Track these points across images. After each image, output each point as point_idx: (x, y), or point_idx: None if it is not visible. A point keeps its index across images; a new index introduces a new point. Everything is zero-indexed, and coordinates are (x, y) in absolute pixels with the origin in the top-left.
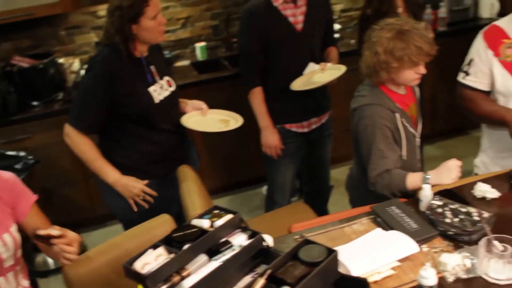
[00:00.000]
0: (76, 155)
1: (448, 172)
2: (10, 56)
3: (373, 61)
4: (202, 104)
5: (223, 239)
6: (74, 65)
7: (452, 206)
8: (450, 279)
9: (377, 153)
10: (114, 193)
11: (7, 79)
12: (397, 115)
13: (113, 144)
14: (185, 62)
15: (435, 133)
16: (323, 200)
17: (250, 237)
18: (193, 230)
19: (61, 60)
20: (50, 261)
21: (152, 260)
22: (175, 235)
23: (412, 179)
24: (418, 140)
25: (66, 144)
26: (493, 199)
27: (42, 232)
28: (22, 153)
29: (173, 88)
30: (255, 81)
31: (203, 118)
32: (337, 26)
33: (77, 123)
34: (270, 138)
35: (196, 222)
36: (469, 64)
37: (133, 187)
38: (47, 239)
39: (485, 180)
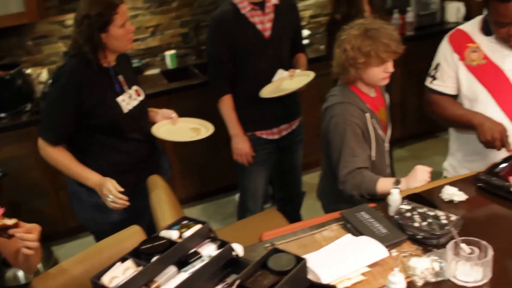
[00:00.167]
0: (54, 166)
1: (417, 177)
2: None
3: (342, 58)
4: (172, 113)
5: (192, 250)
6: (42, 76)
7: (420, 210)
8: (419, 283)
9: (348, 150)
10: (85, 204)
11: None
12: (367, 115)
13: (81, 154)
14: (155, 71)
15: (405, 137)
16: (296, 206)
17: (219, 247)
18: (161, 241)
19: (28, 71)
20: (20, 275)
21: (120, 274)
22: (143, 247)
23: (383, 184)
24: (387, 145)
25: (35, 155)
26: (461, 202)
27: None
28: None
29: (141, 98)
30: (224, 88)
31: (174, 127)
32: (306, 32)
33: (47, 135)
34: (241, 146)
35: (164, 233)
36: (435, 68)
37: (107, 189)
38: (3, 230)
39: (452, 183)
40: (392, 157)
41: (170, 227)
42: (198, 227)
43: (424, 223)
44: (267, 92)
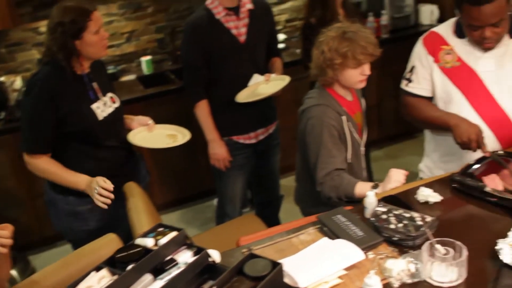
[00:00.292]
0: (42, 177)
1: (391, 179)
2: None
3: (320, 59)
4: (148, 120)
5: (168, 257)
6: (16, 83)
7: (396, 212)
8: (396, 284)
9: (325, 152)
10: (62, 212)
11: None
12: (344, 118)
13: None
14: (131, 77)
15: (383, 138)
16: (274, 209)
17: (195, 254)
18: (136, 249)
19: (2, 79)
20: None
21: (95, 283)
22: (118, 256)
23: (361, 188)
24: (362, 149)
25: (10, 164)
26: (436, 203)
27: None
28: None
29: (117, 105)
30: (200, 94)
31: (150, 134)
32: (282, 36)
33: (31, 147)
34: (218, 151)
35: (140, 241)
36: (411, 71)
37: (95, 182)
38: None
39: (427, 185)
40: (369, 160)
41: (145, 235)
42: (173, 234)
43: (400, 225)
44: (243, 96)
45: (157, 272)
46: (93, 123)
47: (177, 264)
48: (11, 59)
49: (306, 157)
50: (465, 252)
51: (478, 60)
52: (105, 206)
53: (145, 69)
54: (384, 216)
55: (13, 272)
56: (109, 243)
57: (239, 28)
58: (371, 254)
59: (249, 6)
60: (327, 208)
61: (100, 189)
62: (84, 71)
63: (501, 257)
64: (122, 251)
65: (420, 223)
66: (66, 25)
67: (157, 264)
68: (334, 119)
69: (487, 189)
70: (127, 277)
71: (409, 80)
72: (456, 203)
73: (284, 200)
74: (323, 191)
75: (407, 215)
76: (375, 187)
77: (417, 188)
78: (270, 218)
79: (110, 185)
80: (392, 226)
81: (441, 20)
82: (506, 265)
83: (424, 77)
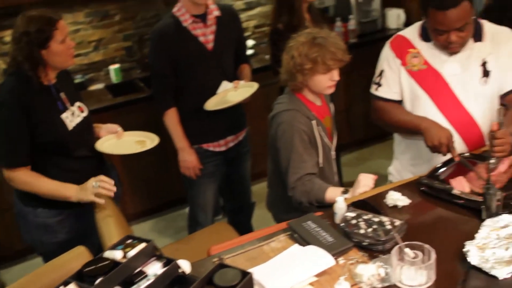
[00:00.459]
0: (28, 191)
1: (360, 184)
2: None
3: (290, 64)
4: (116, 127)
5: (138, 270)
6: None
7: (365, 217)
8: None
9: (296, 156)
10: (31, 224)
11: None
12: (314, 123)
13: None
14: (99, 86)
15: (353, 142)
16: (246, 216)
17: (165, 265)
18: (105, 263)
19: None
20: None
21: None
22: (86, 269)
23: (332, 193)
24: (333, 153)
25: None
26: (404, 207)
27: None
28: None
29: (85, 114)
30: (169, 102)
31: (119, 141)
32: (251, 42)
33: (11, 161)
34: (188, 159)
35: (108, 254)
36: (380, 75)
37: (89, 183)
38: None
39: (396, 188)
40: (340, 164)
41: (114, 247)
42: (142, 245)
43: (370, 230)
44: (212, 104)
45: (126, 285)
46: (64, 133)
47: (146, 276)
48: None
49: (278, 162)
50: (433, 255)
51: (443, 63)
52: (112, 194)
53: (114, 77)
54: (353, 221)
55: None
56: (78, 256)
57: (206, 35)
58: (341, 260)
59: (217, 13)
60: (298, 214)
61: (102, 182)
62: (50, 81)
63: (468, 259)
64: (90, 265)
65: (389, 227)
66: (31, 34)
67: (126, 277)
68: (304, 124)
69: (454, 191)
70: None
71: (379, 85)
72: (424, 206)
73: (256, 207)
74: (295, 195)
75: (376, 219)
76: (345, 192)
77: (386, 192)
78: (243, 225)
79: (110, 180)
80: (362, 231)
81: (408, 24)
82: (474, 267)
83: (394, 80)
